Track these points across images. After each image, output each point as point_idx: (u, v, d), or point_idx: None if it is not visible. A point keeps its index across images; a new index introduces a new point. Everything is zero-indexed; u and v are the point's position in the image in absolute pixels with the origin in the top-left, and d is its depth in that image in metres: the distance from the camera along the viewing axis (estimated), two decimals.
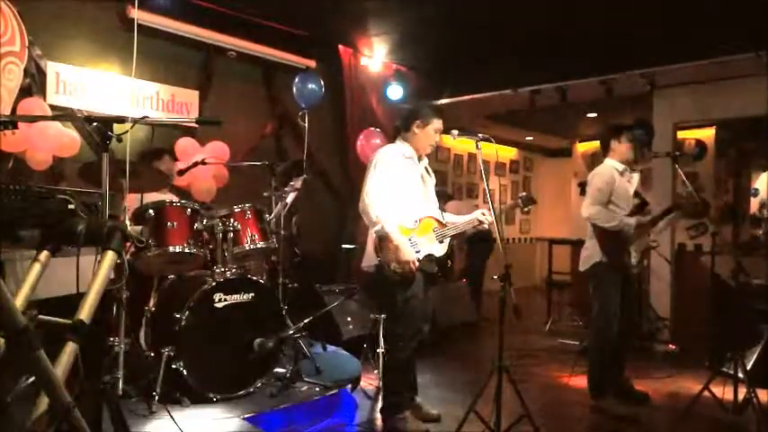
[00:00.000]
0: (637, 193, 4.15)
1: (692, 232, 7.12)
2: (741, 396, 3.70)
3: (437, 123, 3.54)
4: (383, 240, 3.33)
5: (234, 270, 3.53)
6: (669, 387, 4.56)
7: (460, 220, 3.61)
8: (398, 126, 3.64)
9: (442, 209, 3.70)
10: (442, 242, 3.48)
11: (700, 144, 7.43)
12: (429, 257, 3.42)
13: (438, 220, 3.53)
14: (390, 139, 3.76)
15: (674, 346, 5.67)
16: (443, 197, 7.26)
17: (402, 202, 3.41)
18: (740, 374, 3.70)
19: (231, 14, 5.25)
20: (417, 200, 3.52)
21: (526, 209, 3.69)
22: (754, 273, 4.98)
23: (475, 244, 7.29)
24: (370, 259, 3.48)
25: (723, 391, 3.77)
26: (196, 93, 5.25)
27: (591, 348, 4.12)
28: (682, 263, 6.41)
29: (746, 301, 4.54)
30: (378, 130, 6.02)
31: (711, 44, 5.16)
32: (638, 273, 4.30)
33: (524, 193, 3.70)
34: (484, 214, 3.51)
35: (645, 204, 4.16)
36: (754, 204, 9.87)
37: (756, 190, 10.12)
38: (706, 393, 3.78)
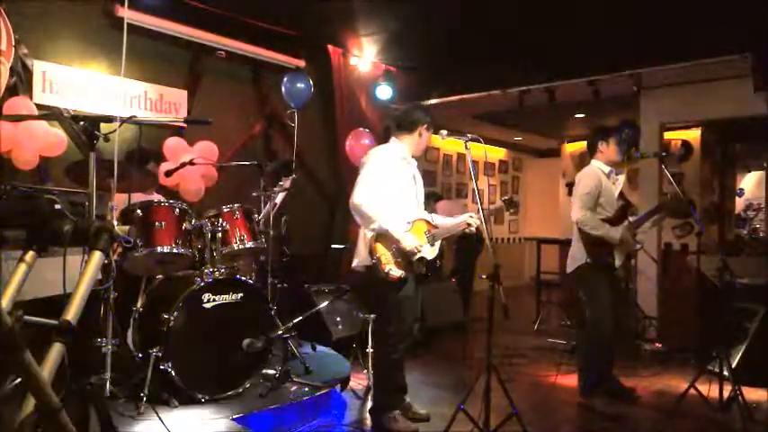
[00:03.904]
0: (621, 195, 4.18)
1: (678, 231, 7.20)
2: (726, 393, 3.75)
3: (430, 127, 3.62)
4: (380, 240, 3.33)
5: (222, 270, 3.51)
6: (656, 385, 4.60)
7: (449, 222, 3.62)
8: (390, 126, 3.66)
9: (432, 209, 3.71)
10: (433, 244, 3.49)
11: (686, 145, 7.51)
12: (420, 258, 3.42)
13: (428, 222, 3.54)
14: (379, 139, 3.77)
15: (660, 345, 5.71)
16: (433, 197, 7.29)
17: (395, 204, 3.43)
18: (725, 372, 3.75)
19: (220, 14, 5.23)
20: (410, 201, 3.53)
21: (509, 211, 3.71)
22: (739, 272, 5.03)
23: (463, 244, 7.30)
24: (361, 259, 3.49)
25: (709, 389, 3.81)
26: (184, 92, 5.22)
27: (581, 347, 4.14)
28: (668, 262, 6.47)
29: (731, 300, 4.59)
30: (367, 130, 6.02)
31: (697, 46, 5.21)
32: (625, 273, 4.34)
33: (507, 196, 3.73)
34: (472, 216, 3.51)
35: (628, 206, 4.20)
36: (740, 204, 9.99)
37: (742, 190, 10.25)
38: (692, 391, 3.82)
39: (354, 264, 3.61)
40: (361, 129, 6.01)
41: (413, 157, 3.64)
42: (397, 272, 3.32)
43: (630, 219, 4.06)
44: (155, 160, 4.46)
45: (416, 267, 3.41)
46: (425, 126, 3.56)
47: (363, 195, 3.35)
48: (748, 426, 3.53)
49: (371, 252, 3.34)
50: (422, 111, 3.65)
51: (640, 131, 6.47)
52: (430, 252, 3.47)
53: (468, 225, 3.51)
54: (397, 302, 3.38)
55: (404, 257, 3.35)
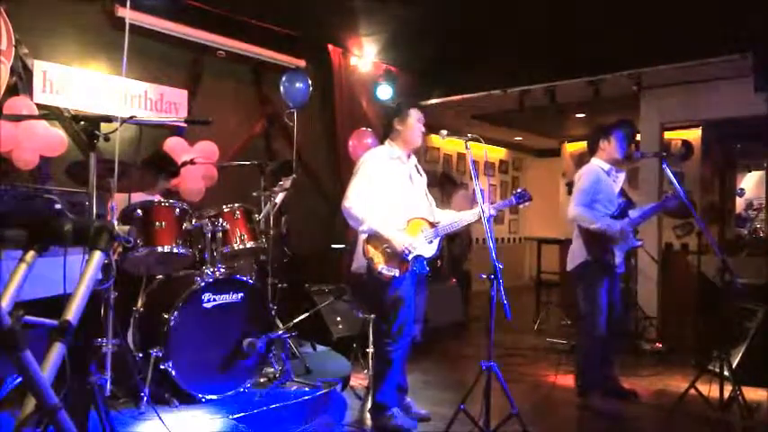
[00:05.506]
0: (622, 192, 4.17)
1: (679, 231, 7.20)
2: (727, 394, 3.75)
3: (415, 113, 3.57)
4: (371, 241, 3.34)
5: (223, 270, 3.51)
6: (656, 385, 4.60)
7: (453, 219, 3.62)
8: (385, 127, 3.67)
9: (451, 194, 3.69)
10: (430, 243, 3.49)
11: (686, 144, 7.50)
12: (418, 258, 3.42)
13: (428, 221, 3.54)
14: (381, 139, 3.78)
15: (660, 345, 5.71)
16: (451, 183, 7.25)
17: (388, 204, 3.43)
18: (726, 372, 3.74)
19: (221, 14, 5.23)
20: (406, 201, 3.53)
21: (523, 205, 3.65)
22: (739, 272, 5.03)
23: (448, 241, 7.22)
24: (360, 261, 3.49)
25: (709, 389, 3.81)
26: (185, 92, 5.22)
27: (579, 347, 4.14)
28: (668, 262, 6.47)
29: (732, 300, 4.59)
30: (369, 129, 6.02)
31: (697, 45, 5.22)
32: (625, 272, 4.33)
33: (520, 189, 3.67)
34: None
35: (630, 204, 4.19)
36: (740, 204, 9.98)
37: (742, 190, 10.24)
38: (692, 391, 3.82)
39: (354, 265, 3.61)
40: (364, 128, 6.00)
41: (414, 148, 3.64)
42: (389, 272, 3.32)
43: (631, 214, 4.06)
44: (165, 174, 4.42)
45: (415, 266, 3.41)
46: (399, 118, 3.55)
47: (352, 198, 3.39)
48: (748, 425, 3.53)
49: (364, 253, 3.37)
50: (391, 107, 3.68)
51: (636, 128, 6.47)
52: (427, 250, 3.47)
53: (479, 219, 3.49)
54: (393, 302, 3.38)
55: (396, 257, 3.35)
